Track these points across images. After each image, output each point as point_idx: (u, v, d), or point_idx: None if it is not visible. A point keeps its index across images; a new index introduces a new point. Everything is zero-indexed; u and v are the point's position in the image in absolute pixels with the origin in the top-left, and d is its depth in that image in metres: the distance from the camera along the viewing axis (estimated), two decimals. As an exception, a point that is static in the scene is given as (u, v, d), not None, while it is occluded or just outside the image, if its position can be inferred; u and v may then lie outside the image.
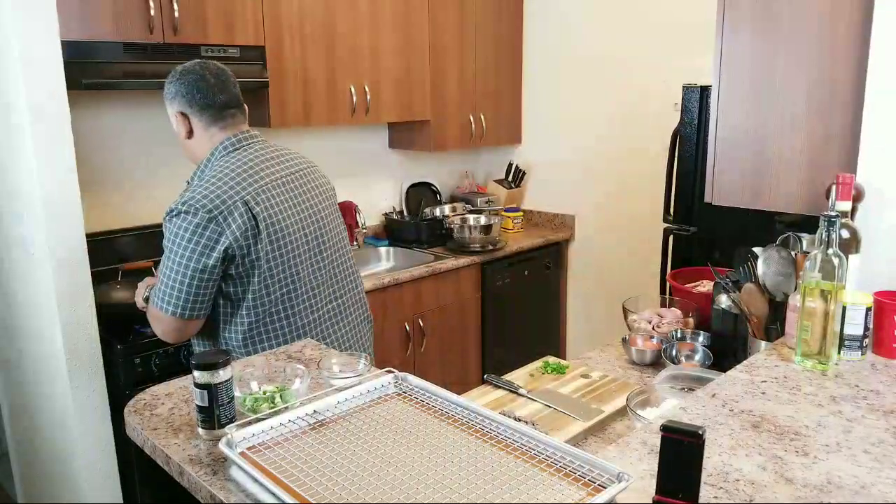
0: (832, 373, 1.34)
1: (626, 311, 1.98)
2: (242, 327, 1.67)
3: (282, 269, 1.66)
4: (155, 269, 2.57)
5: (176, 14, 2.35)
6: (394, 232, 3.48)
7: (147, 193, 2.74)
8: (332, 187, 1.90)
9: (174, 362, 2.23)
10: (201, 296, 1.58)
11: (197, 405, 1.18)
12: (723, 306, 1.72)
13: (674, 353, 1.74)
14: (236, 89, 1.72)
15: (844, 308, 1.37)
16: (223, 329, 1.69)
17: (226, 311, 1.67)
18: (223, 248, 1.55)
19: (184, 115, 1.67)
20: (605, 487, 0.95)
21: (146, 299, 1.75)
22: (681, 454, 0.85)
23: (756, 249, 1.65)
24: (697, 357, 1.72)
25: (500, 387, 1.66)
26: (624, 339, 1.85)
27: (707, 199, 1.91)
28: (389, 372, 1.34)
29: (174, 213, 1.57)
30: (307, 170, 1.80)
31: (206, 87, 1.65)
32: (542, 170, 3.84)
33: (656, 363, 1.78)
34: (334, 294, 1.82)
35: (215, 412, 1.17)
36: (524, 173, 3.86)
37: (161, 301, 1.59)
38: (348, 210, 3.04)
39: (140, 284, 1.84)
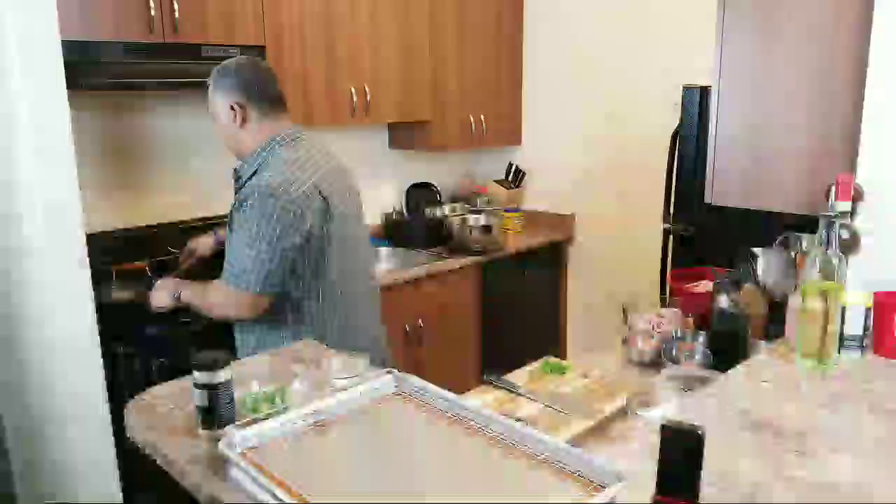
0: (832, 373, 1.34)
1: (625, 311, 1.98)
2: (311, 309, 1.78)
3: (344, 249, 1.80)
4: (149, 269, 2.57)
5: (176, 14, 2.35)
6: (394, 232, 3.48)
7: (148, 193, 2.74)
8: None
9: (174, 362, 2.23)
10: (279, 273, 1.69)
11: (197, 405, 1.18)
12: (723, 306, 1.72)
13: (674, 353, 1.74)
14: (280, 86, 1.84)
15: (844, 308, 1.38)
16: (292, 311, 1.78)
17: (297, 292, 1.76)
18: (307, 228, 1.69)
19: (241, 105, 1.76)
20: (605, 487, 0.95)
21: (177, 297, 1.87)
22: (681, 454, 0.85)
23: (756, 250, 1.65)
24: (697, 357, 1.72)
25: (500, 387, 1.66)
26: (624, 339, 1.85)
27: (707, 199, 1.91)
28: (389, 372, 1.34)
29: (255, 198, 1.66)
30: (344, 167, 1.94)
31: (262, 79, 1.78)
32: (542, 170, 3.83)
33: (656, 363, 1.78)
34: (368, 284, 1.98)
35: (215, 412, 1.17)
36: (524, 173, 3.86)
37: (242, 280, 1.67)
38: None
39: (159, 285, 1.94)
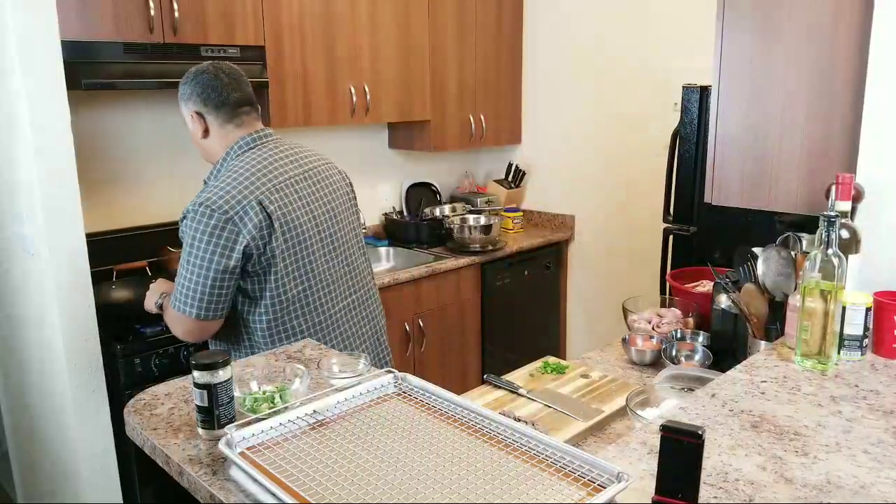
0: (832, 373, 1.34)
1: (625, 311, 1.98)
2: (261, 325, 1.68)
3: (296, 266, 1.68)
4: (149, 269, 2.58)
5: (176, 14, 2.35)
6: (394, 232, 3.49)
7: (147, 193, 2.74)
8: (348, 183, 1.92)
9: (174, 362, 2.23)
10: (222, 296, 1.60)
11: (197, 405, 1.18)
12: (722, 306, 1.72)
13: (673, 353, 1.74)
14: (249, 88, 1.75)
15: (844, 308, 1.37)
16: (243, 327, 1.71)
17: (244, 309, 1.69)
18: (241, 248, 1.57)
19: (199, 114, 1.70)
20: (604, 487, 0.95)
21: (160, 306, 1.79)
22: (680, 454, 0.85)
23: (756, 249, 1.65)
24: (697, 357, 1.72)
25: (500, 387, 1.66)
26: (624, 339, 1.85)
27: (707, 199, 1.91)
28: (389, 372, 1.34)
29: (191, 214, 1.58)
30: (322, 167, 1.82)
31: (220, 85, 1.68)
32: (542, 170, 3.83)
33: (656, 363, 1.78)
34: (350, 290, 1.84)
35: (215, 412, 1.17)
36: (524, 173, 3.86)
37: (181, 304, 1.61)
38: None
39: (152, 287, 1.87)
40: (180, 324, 1.65)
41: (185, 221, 1.60)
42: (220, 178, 1.64)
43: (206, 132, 1.71)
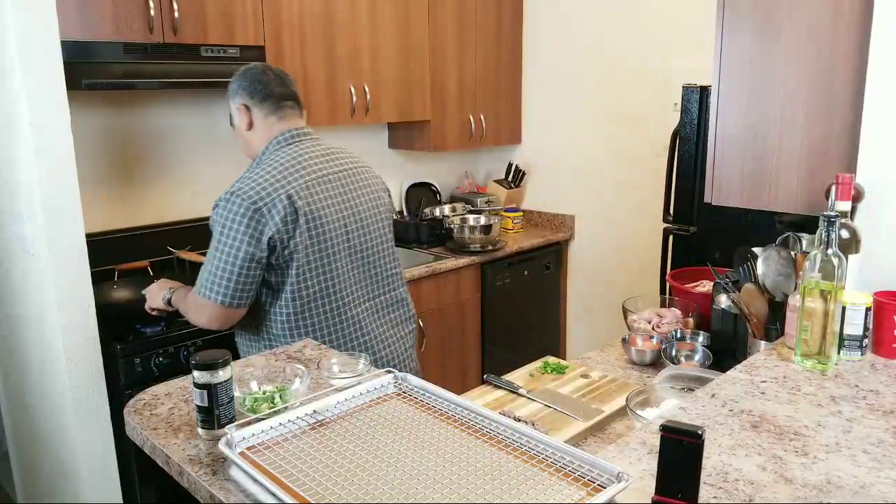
0: (832, 373, 1.34)
1: (625, 311, 1.98)
2: (281, 318, 1.71)
3: (319, 262, 1.70)
4: (150, 269, 2.58)
5: (176, 14, 2.35)
6: (394, 232, 3.48)
7: (148, 193, 2.74)
8: (385, 189, 1.95)
9: (174, 362, 2.23)
10: (247, 284, 1.64)
11: (197, 405, 1.18)
12: (722, 306, 1.72)
13: (673, 353, 1.74)
14: (294, 88, 1.82)
15: (844, 308, 1.37)
16: (264, 319, 1.74)
17: (266, 301, 1.72)
18: (267, 239, 1.61)
19: (246, 106, 1.77)
20: (604, 487, 0.95)
21: (168, 300, 1.83)
22: (681, 454, 0.85)
23: (756, 249, 1.65)
24: (697, 357, 1.72)
25: (499, 387, 1.66)
26: (624, 339, 1.85)
27: (707, 199, 1.91)
28: (389, 372, 1.34)
29: (222, 203, 1.63)
30: (357, 170, 1.85)
31: (266, 80, 1.77)
32: (542, 170, 3.83)
33: (656, 363, 1.78)
34: (373, 293, 1.85)
35: (215, 412, 1.17)
36: (524, 173, 3.86)
37: (207, 290, 1.64)
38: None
39: (155, 286, 1.89)
40: (205, 310, 1.67)
41: (216, 210, 1.65)
42: (254, 171, 1.69)
43: (250, 124, 1.78)
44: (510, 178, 3.86)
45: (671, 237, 2.65)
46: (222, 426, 1.16)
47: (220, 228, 1.63)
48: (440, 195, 3.77)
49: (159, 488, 2.26)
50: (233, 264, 1.61)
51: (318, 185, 1.70)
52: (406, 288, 1.97)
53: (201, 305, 1.67)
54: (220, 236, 1.62)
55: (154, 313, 1.94)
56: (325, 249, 1.71)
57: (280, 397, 1.24)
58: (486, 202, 3.68)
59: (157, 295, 1.87)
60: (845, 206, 1.44)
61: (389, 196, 1.97)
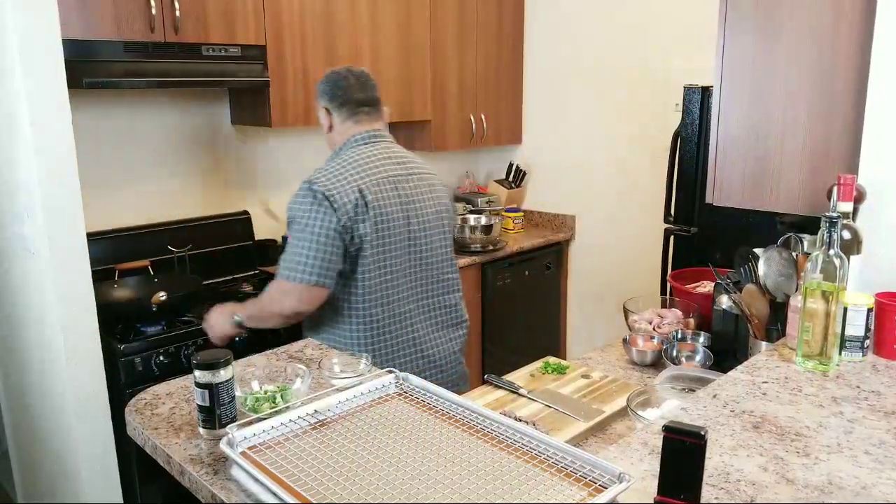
0: (833, 374, 1.34)
1: (626, 312, 1.98)
2: (350, 305, 1.78)
3: (381, 255, 1.77)
4: (151, 269, 2.58)
5: (177, 13, 2.35)
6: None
7: (149, 193, 2.74)
8: (447, 198, 2.01)
9: (175, 362, 2.23)
10: (327, 261, 1.70)
11: (198, 405, 1.18)
12: (723, 307, 1.72)
13: (674, 353, 1.74)
14: (375, 93, 1.90)
15: (846, 309, 1.37)
16: (338, 305, 1.80)
17: (339, 289, 1.78)
18: (338, 221, 1.70)
19: (327, 110, 1.88)
20: (606, 488, 0.95)
21: (239, 323, 1.85)
22: (683, 455, 0.85)
23: (757, 250, 1.65)
24: (698, 358, 1.72)
25: (500, 387, 1.66)
26: (624, 340, 1.85)
27: (708, 199, 1.91)
28: (390, 372, 1.34)
29: (299, 193, 1.74)
30: (422, 176, 1.93)
31: (346, 85, 1.86)
32: (542, 170, 3.83)
33: (657, 364, 1.78)
34: (425, 294, 1.91)
35: (216, 412, 1.17)
36: (524, 173, 3.86)
37: (293, 273, 1.70)
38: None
39: (216, 315, 1.90)
40: (292, 293, 1.72)
41: (294, 199, 1.74)
42: (330, 164, 1.79)
43: (330, 127, 1.89)
44: (511, 178, 3.86)
45: (672, 237, 2.65)
46: (224, 426, 1.16)
47: (297, 215, 1.72)
48: (441, 195, 3.76)
49: (160, 488, 2.26)
50: (313, 242, 1.68)
51: (386, 184, 1.79)
52: (461, 295, 2.04)
53: (287, 290, 1.73)
54: (297, 223, 1.71)
55: (221, 343, 1.92)
56: (387, 245, 1.78)
57: (281, 397, 1.24)
58: (487, 202, 3.68)
59: (222, 324, 1.87)
60: (847, 206, 1.44)
61: (453, 204, 2.04)
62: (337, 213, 1.69)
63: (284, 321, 1.79)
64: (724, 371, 1.40)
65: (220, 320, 1.88)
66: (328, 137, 1.92)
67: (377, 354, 1.79)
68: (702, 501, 0.88)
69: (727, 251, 1.85)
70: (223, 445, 1.07)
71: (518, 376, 1.74)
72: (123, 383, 2.16)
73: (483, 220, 3.39)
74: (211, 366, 1.15)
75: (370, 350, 1.77)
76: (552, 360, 1.82)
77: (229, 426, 1.13)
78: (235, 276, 2.87)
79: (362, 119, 1.87)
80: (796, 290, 1.52)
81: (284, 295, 1.74)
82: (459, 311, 2.03)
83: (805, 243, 1.65)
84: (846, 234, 1.45)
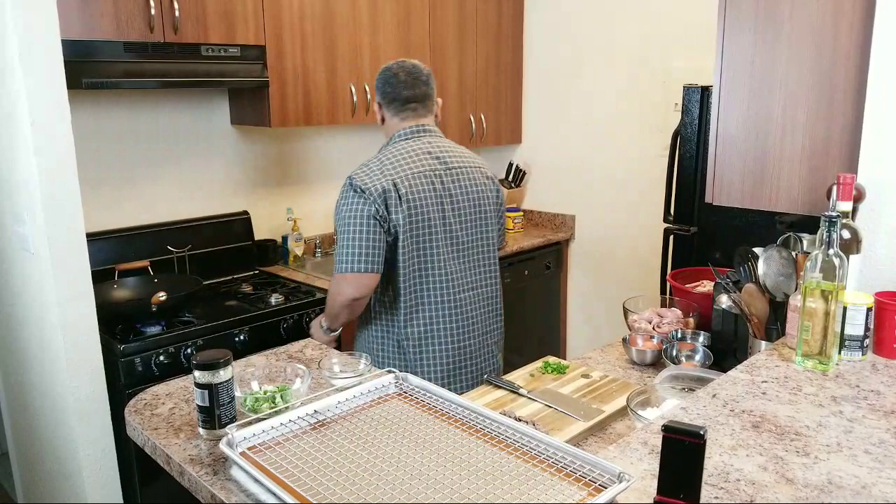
0: (833, 373, 1.34)
1: (626, 311, 1.98)
2: (395, 289, 1.87)
3: (416, 244, 1.85)
4: (151, 269, 2.58)
5: (176, 13, 2.35)
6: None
7: (149, 192, 2.74)
8: (494, 190, 2.05)
9: (174, 362, 2.23)
10: (375, 248, 1.79)
11: (198, 405, 1.18)
12: (723, 306, 1.72)
13: (674, 353, 1.74)
14: (426, 88, 1.95)
15: (845, 308, 1.37)
16: (384, 290, 1.89)
17: (385, 275, 1.86)
18: (374, 207, 1.79)
19: (379, 104, 1.98)
20: (605, 487, 0.95)
21: (328, 329, 1.99)
22: (682, 455, 0.85)
23: (757, 250, 1.65)
24: (698, 357, 1.72)
25: (500, 387, 1.66)
26: (624, 339, 1.85)
27: (708, 199, 1.91)
28: (390, 372, 1.34)
29: (344, 187, 1.84)
30: (466, 169, 1.97)
31: (396, 82, 1.93)
32: (542, 170, 3.83)
33: (657, 363, 1.78)
34: (473, 283, 1.98)
35: (216, 412, 1.17)
36: (524, 173, 3.86)
37: (344, 264, 1.80)
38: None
39: (315, 321, 2.06)
40: (347, 283, 1.81)
41: (340, 195, 1.85)
42: (374, 157, 1.90)
43: (382, 119, 1.99)
44: (510, 178, 3.86)
45: (672, 237, 2.65)
46: (223, 426, 1.16)
47: (339, 208, 1.83)
48: (440, 195, 3.76)
49: (159, 488, 2.26)
50: (357, 231, 1.78)
51: (422, 178, 1.86)
52: (500, 287, 2.08)
53: (340, 281, 1.82)
54: (341, 216, 1.81)
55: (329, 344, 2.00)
56: (422, 236, 1.86)
57: (281, 397, 1.24)
58: (487, 202, 3.67)
59: (321, 335, 2.01)
60: (846, 206, 1.44)
61: (500, 197, 2.07)
62: (370, 201, 1.78)
63: (350, 311, 1.88)
64: (724, 370, 1.40)
65: (318, 333, 2.02)
66: (383, 129, 2.01)
67: (416, 345, 1.89)
68: (701, 501, 0.88)
69: (727, 250, 1.86)
70: (223, 446, 1.07)
71: (518, 376, 1.74)
72: (123, 383, 2.16)
73: (483, 219, 3.39)
74: (210, 366, 1.15)
75: (410, 341, 1.89)
76: (552, 359, 1.82)
77: (229, 426, 1.13)
78: (235, 277, 2.87)
79: (408, 115, 1.95)
80: (796, 289, 1.52)
81: (339, 286, 1.84)
82: (497, 303, 2.08)
83: (804, 243, 1.65)
84: (846, 234, 1.45)
